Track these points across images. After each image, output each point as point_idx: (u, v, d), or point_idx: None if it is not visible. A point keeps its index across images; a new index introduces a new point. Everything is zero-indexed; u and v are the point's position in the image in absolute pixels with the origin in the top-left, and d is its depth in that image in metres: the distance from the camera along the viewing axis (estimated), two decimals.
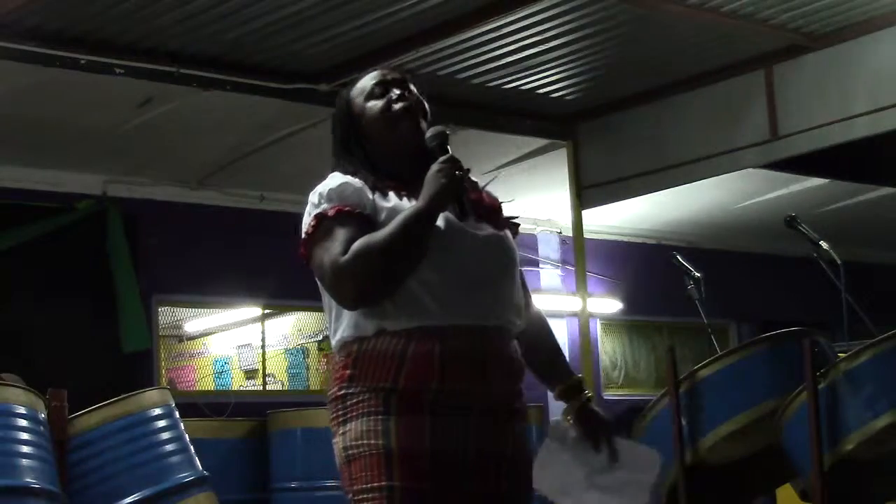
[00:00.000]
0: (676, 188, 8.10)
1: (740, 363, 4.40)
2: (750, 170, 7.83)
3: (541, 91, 7.58)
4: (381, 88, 2.69)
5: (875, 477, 4.33)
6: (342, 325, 2.58)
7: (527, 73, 7.24)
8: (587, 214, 8.28)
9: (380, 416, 2.49)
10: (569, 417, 2.82)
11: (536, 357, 2.79)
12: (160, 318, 8.73)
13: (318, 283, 2.61)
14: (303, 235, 2.60)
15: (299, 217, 2.64)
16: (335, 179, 2.63)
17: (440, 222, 2.53)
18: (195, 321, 9.60)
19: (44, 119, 7.22)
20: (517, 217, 2.79)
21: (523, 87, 7.50)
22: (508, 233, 2.70)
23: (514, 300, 2.63)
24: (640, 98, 7.78)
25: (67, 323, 7.99)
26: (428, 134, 2.62)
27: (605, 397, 10.35)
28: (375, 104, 2.68)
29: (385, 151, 2.67)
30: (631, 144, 7.93)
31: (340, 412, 2.56)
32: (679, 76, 7.46)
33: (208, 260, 8.71)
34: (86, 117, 7.22)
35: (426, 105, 2.71)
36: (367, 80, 2.73)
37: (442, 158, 2.55)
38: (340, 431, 2.56)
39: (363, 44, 6.60)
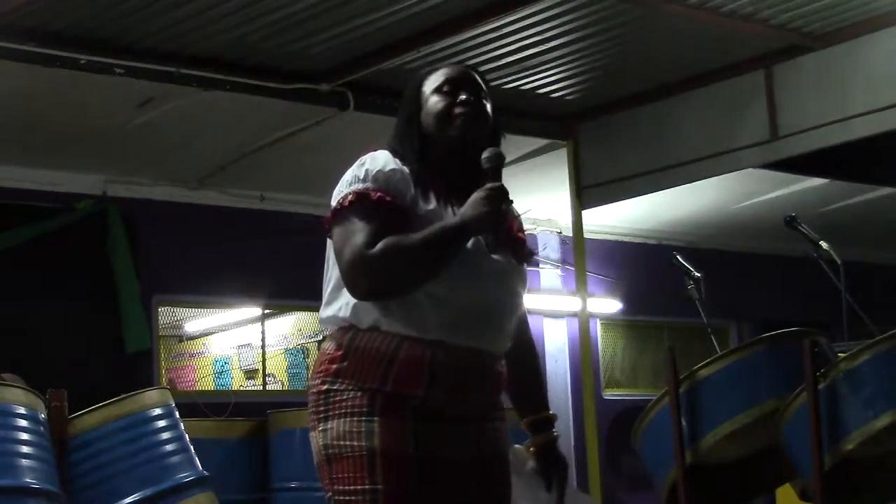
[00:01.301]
0: (676, 188, 8.10)
1: (740, 363, 4.40)
2: (750, 170, 7.82)
3: (541, 91, 7.58)
4: (450, 87, 2.65)
5: (875, 477, 4.33)
6: (340, 301, 2.56)
7: (527, 73, 7.24)
8: (587, 214, 8.29)
9: (363, 418, 2.48)
10: (531, 448, 2.80)
11: (516, 382, 2.77)
12: (160, 318, 8.73)
13: (331, 255, 2.58)
14: (335, 203, 2.55)
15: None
16: (386, 160, 2.58)
17: (468, 243, 2.51)
18: (195, 321, 9.61)
19: (44, 119, 7.22)
20: (536, 253, 2.80)
21: (523, 87, 7.50)
22: (525, 266, 2.70)
23: (511, 329, 2.65)
24: (640, 98, 7.78)
25: (67, 323, 7.99)
26: (485, 154, 2.55)
27: (605, 397, 10.35)
28: (439, 101, 2.64)
29: (436, 147, 2.63)
30: (631, 144, 7.93)
31: (322, 407, 2.53)
32: (679, 76, 7.46)
33: (208, 260, 8.70)
34: (86, 117, 7.22)
35: (490, 115, 2.66)
36: (441, 74, 2.70)
37: (490, 186, 2.50)
38: (320, 428, 2.53)
39: (363, 44, 6.60)
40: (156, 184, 8.58)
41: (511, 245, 2.66)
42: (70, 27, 6.14)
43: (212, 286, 8.77)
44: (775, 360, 4.35)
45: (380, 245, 2.44)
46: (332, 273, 2.59)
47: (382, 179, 2.53)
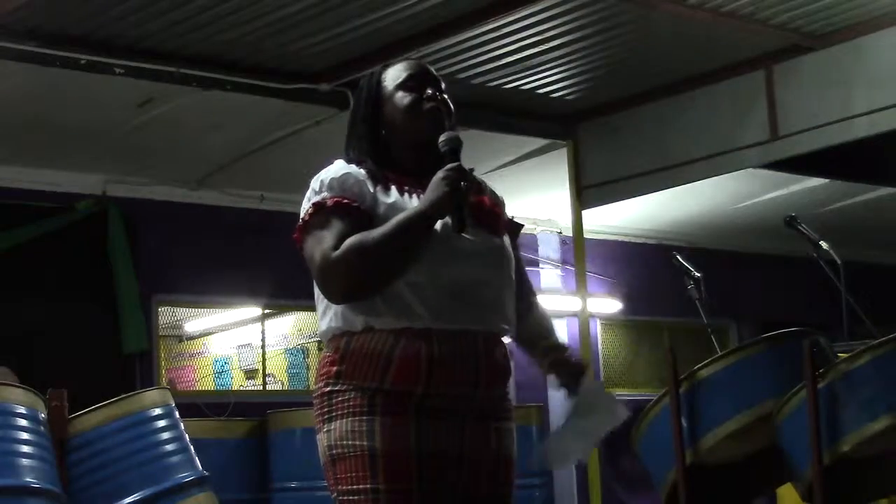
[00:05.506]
0: (676, 188, 8.10)
1: (740, 363, 4.40)
2: (750, 170, 7.83)
3: (541, 91, 7.58)
4: (414, 82, 2.67)
5: (872, 473, 4.33)
6: (330, 314, 2.58)
7: (527, 73, 7.24)
8: (587, 214, 8.28)
9: (364, 417, 2.49)
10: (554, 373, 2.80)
11: (528, 338, 2.79)
12: (160, 318, 8.73)
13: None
14: (299, 220, 2.60)
15: (299, 217, 2.64)
16: (339, 167, 2.62)
17: (436, 226, 2.51)
18: (195, 321, 9.61)
19: (44, 119, 7.22)
20: (522, 223, 2.79)
21: (523, 87, 7.50)
22: (506, 238, 2.68)
23: (504, 306, 2.63)
24: (641, 98, 7.78)
25: (67, 323, 7.98)
26: (441, 138, 2.59)
27: None
28: (405, 96, 2.65)
29: (401, 143, 2.66)
30: (631, 144, 7.93)
31: (326, 409, 2.56)
32: (679, 76, 7.46)
33: (208, 260, 8.71)
34: (86, 117, 7.22)
35: (452, 109, 2.69)
36: (401, 70, 2.71)
37: (449, 166, 2.51)
38: (325, 429, 2.55)
39: (363, 44, 6.60)
40: (156, 184, 8.58)
41: (486, 220, 2.65)
42: (70, 27, 6.14)
43: (212, 286, 8.77)
44: (775, 360, 4.34)
45: (343, 245, 2.47)
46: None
47: (337, 185, 2.56)
